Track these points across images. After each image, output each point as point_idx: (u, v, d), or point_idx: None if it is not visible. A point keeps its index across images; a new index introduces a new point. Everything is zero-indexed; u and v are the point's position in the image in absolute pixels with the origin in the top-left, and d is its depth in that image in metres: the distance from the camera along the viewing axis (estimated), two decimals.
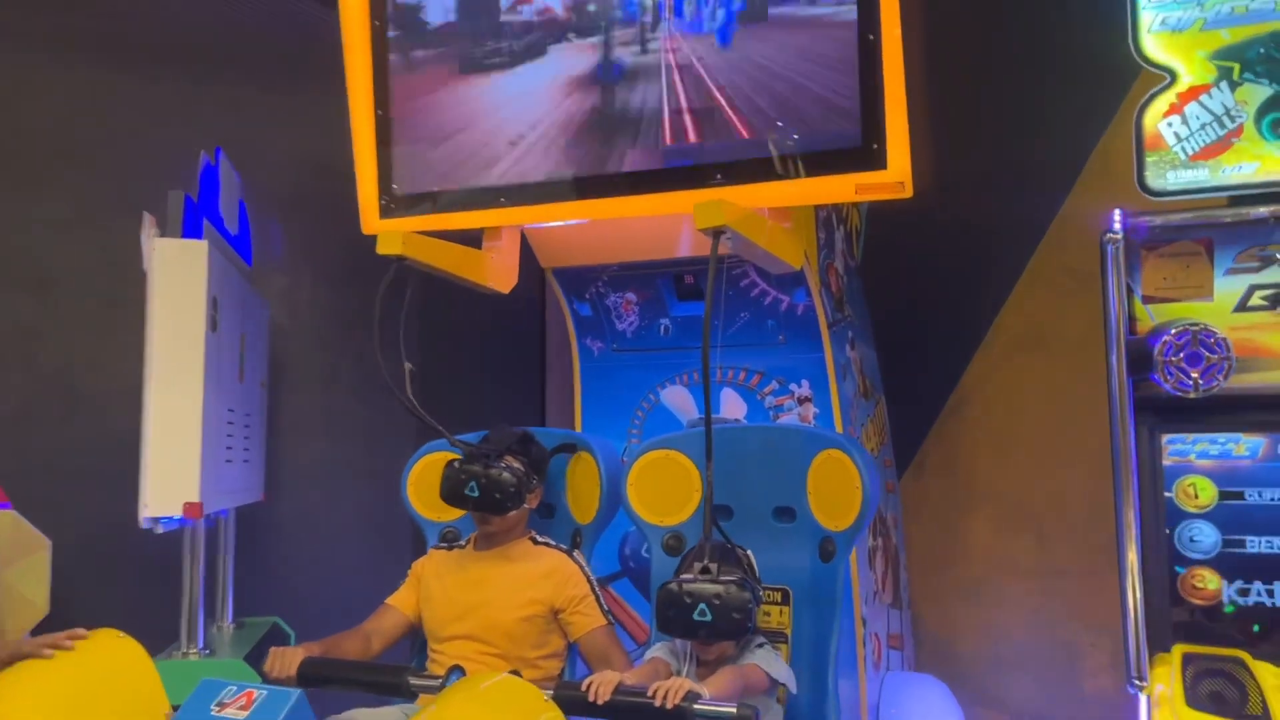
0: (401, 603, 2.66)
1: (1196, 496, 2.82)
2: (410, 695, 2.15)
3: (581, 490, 2.77)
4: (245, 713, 1.52)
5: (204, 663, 3.31)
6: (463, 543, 2.75)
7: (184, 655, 3.32)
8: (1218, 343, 2.59)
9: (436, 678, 2.11)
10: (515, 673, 2.05)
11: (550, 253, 3.06)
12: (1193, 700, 2.51)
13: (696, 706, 1.91)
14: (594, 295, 3.16)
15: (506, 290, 2.91)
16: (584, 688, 1.99)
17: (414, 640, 2.73)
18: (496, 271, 2.85)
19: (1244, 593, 2.73)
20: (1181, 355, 2.61)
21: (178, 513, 3.04)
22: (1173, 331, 2.63)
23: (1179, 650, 2.68)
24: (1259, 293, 2.59)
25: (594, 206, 2.66)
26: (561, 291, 3.19)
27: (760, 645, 2.32)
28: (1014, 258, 3.89)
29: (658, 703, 1.92)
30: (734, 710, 1.90)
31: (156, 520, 3.04)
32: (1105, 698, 3.67)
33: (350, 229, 2.97)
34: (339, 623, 3.82)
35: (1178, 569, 2.82)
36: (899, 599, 3.46)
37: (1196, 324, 2.61)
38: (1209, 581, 2.76)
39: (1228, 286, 2.62)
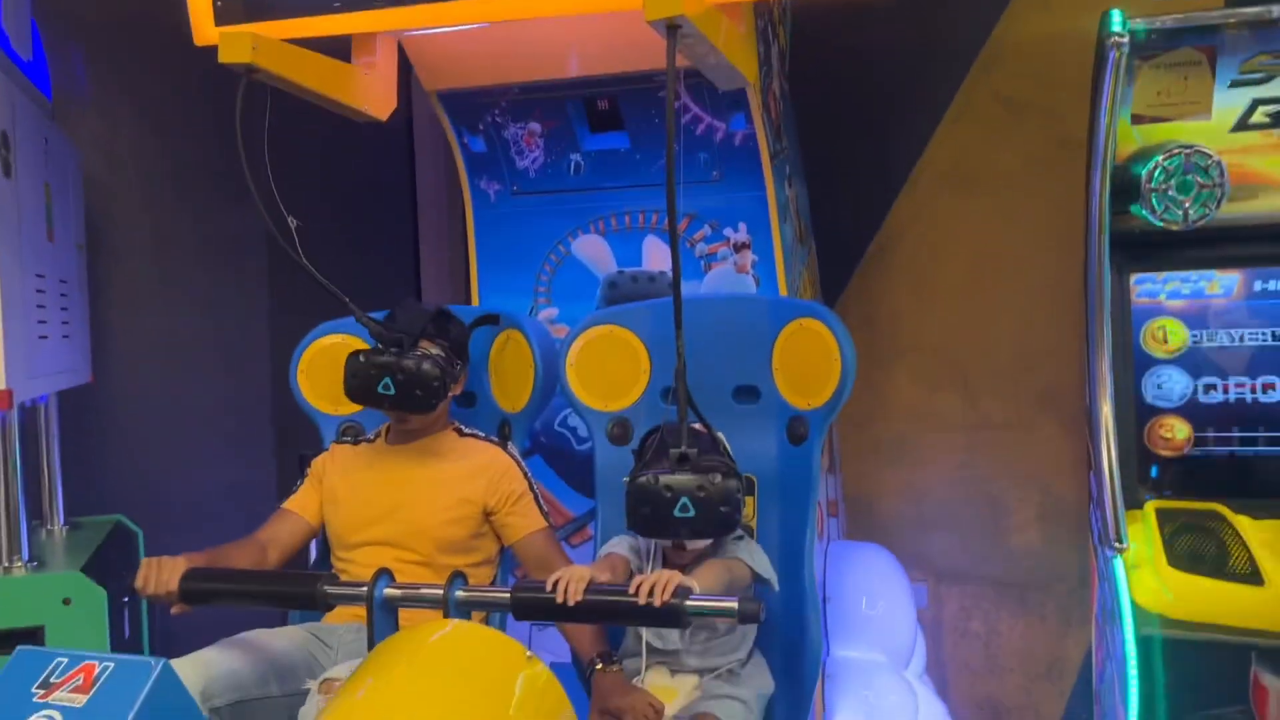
0: (302, 507, 2.24)
1: (1166, 341, 2.60)
2: (325, 607, 1.77)
3: (510, 375, 2.39)
4: (85, 696, 1.05)
5: (32, 578, 2.76)
6: (370, 436, 2.33)
7: (6, 570, 2.77)
8: (1212, 167, 2.31)
9: (360, 585, 1.68)
10: (460, 574, 1.65)
11: (435, 71, 2.52)
12: (1174, 559, 2.31)
13: (690, 603, 1.57)
14: (489, 126, 2.64)
15: (384, 116, 2.37)
16: (549, 588, 1.62)
17: (313, 551, 2.34)
18: (371, 92, 2.30)
19: (1216, 441, 2.54)
20: (1172, 182, 2.32)
21: None
22: (1162, 156, 2.33)
23: (1152, 506, 2.49)
24: (1262, 108, 2.31)
25: (488, 3, 2.12)
26: (449, 121, 2.65)
27: (739, 537, 1.98)
28: (943, 85, 3.53)
29: (643, 600, 1.56)
30: (734, 605, 1.57)
31: None
32: (1032, 552, 3.54)
33: (180, 59, 2.34)
34: (191, 517, 3.28)
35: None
36: (834, 464, 3.18)
37: (1190, 147, 2.31)
38: (1178, 431, 2.56)
39: (1228, 101, 2.32)
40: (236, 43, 1.91)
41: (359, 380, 2.11)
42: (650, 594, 1.56)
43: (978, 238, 3.54)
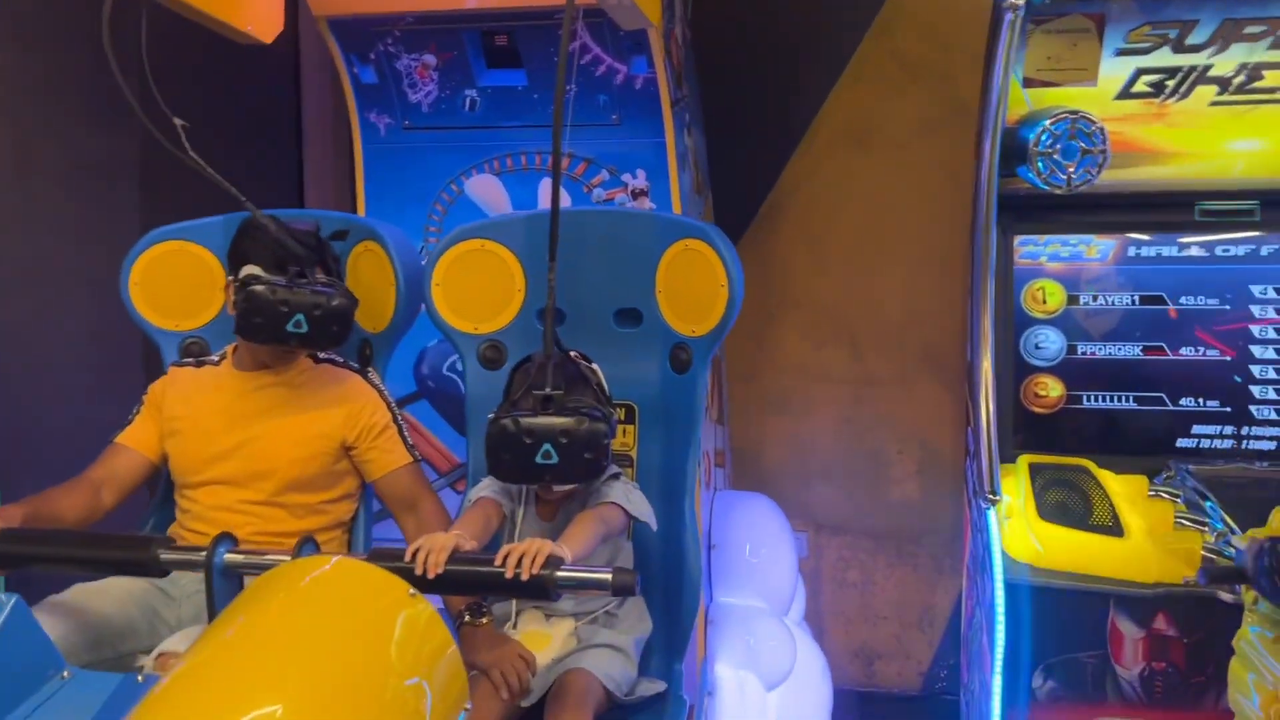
0: (137, 440, 2.04)
1: (1045, 302, 2.69)
2: (161, 573, 1.57)
3: (370, 290, 2.19)
4: None
5: None
6: (215, 358, 2.13)
7: None
8: (1096, 133, 2.38)
9: (198, 550, 1.50)
10: (310, 539, 1.50)
11: None
12: (1043, 511, 2.41)
13: (560, 574, 1.49)
14: (380, 56, 2.54)
15: (269, 39, 2.24)
16: (408, 558, 1.50)
17: (154, 486, 2.15)
18: (255, 12, 2.18)
19: (1086, 399, 2.65)
20: (1057, 147, 2.38)
21: None
22: (1049, 121, 2.39)
23: (1025, 461, 2.58)
24: (1144, 77, 2.38)
25: None
26: (338, 49, 2.54)
27: (615, 476, 1.93)
28: (842, 43, 3.55)
29: (509, 573, 1.48)
30: (608, 576, 1.48)
31: None
32: (909, 505, 3.65)
33: None
34: (53, 457, 3.13)
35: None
36: (722, 414, 3.21)
37: (1076, 112, 2.38)
38: (1052, 389, 2.66)
39: (1113, 70, 2.39)
40: None
41: (266, 318, 1.86)
42: (519, 565, 1.48)
43: (870, 197, 3.59)
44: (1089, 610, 2.32)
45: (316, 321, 1.88)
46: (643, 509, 1.91)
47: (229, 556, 1.49)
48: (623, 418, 2.14)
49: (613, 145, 2.55)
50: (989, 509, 2.41)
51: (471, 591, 1.73)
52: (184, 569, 1.55)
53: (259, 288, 1.88)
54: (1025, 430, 2.66)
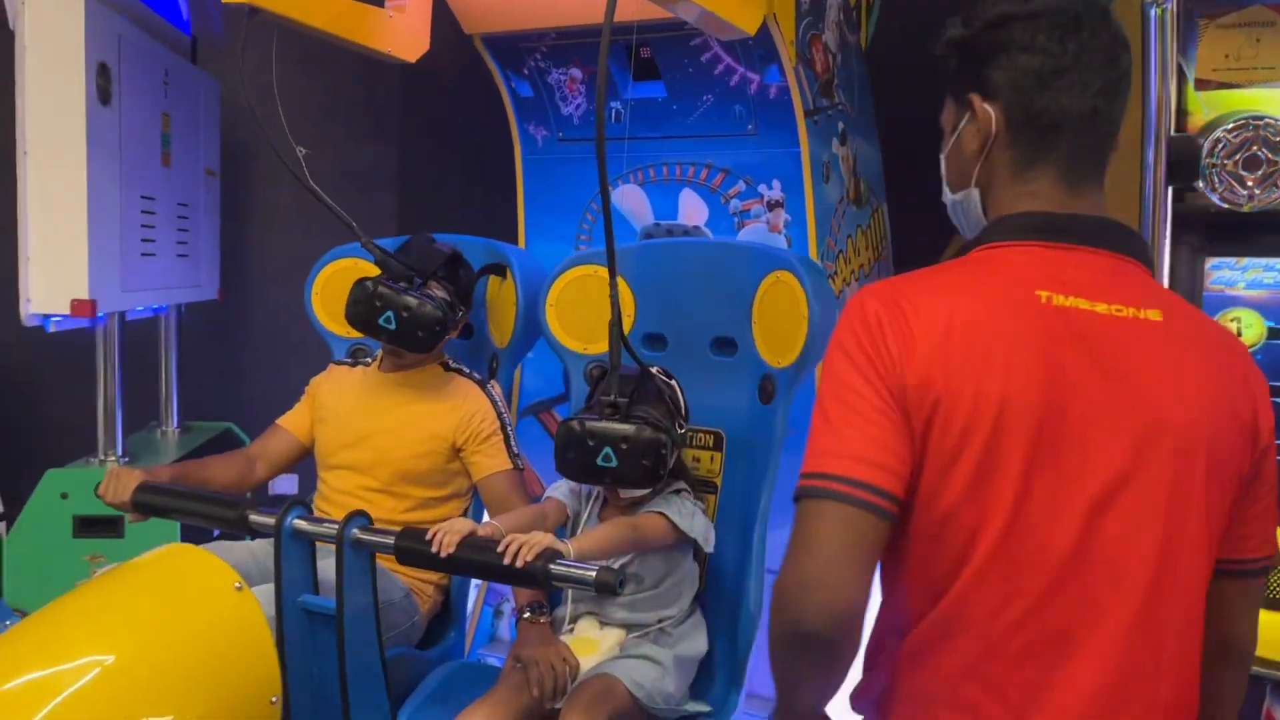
0: (293, 424, 2.34)
1: (1241, 335, 2.32)
2: (251, 534, 1.81)
3: (501, 310, 2.42)
4: None
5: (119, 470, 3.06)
6: (369, 360, 2.41)
7: (101, 462, 3.08)
8: None
9: (274, 512, 1.74)
10: (361, 513, 1.73)
11: (473, 13, 2.55)
12: None
13: (551, 568, 1.58)
14: (533, 70, 2.66)
15: (413, 59, 2.44)
16: (429, 537, 1.66)
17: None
18: (400, 35, 2.36)
19: None
20: (1237, 158, 2.07)
21: (65, 310, 2.71)
22: (1229, 127, 2.08)
23: None
24: None
25: None
26: (495, 64, 2.68)
27: (677, 492, 1.96)
28: None
29: (507, 560, 1.59)
30: (592, 574, 1.56)
31: (46, 318, 2.73)
32: None
33: None
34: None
35: None
36: None
37: (1260, 118, 2.05)
38: None
39: None
40: None
41: (361, 308, 2.12)
42: (515, 554, 1.59)
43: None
44: None
45: (404, 322, 2.11)
46: (695, 526, 1.92)
47: (296, 522, 1.71)
48: (710, 445, 2.17)
49: (749, 156, 2.51)
50: None
51: (475, 573, 1.88)
52: (263, 530, 1.77)
53: (366, 282, 2.13)
54: None
